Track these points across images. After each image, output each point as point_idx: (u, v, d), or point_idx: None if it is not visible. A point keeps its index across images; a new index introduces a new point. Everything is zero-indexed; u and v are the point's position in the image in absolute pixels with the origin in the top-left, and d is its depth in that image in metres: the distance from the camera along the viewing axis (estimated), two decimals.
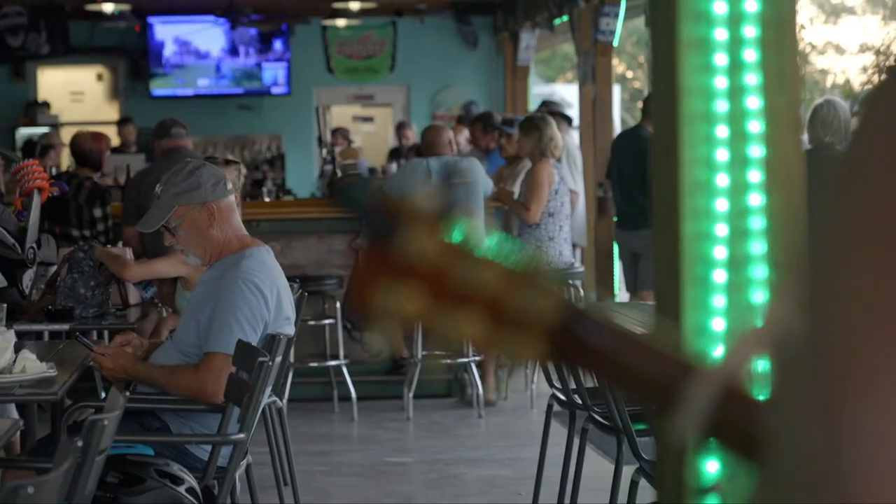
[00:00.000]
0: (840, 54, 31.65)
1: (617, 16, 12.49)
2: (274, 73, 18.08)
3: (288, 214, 10.18)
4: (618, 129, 14.23)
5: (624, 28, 13.24)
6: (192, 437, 5.06)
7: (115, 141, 15.22)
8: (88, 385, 7.03)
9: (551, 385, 6.48)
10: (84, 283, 6.89)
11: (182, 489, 4.65)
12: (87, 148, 9.29)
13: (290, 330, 5.29)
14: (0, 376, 4.93)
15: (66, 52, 17.36)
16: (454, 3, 17.51)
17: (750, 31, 2.71)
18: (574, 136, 13.09)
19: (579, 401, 6.00)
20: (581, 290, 9.91)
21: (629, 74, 32.35)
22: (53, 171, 10.88)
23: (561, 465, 6.21)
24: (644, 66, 30.12)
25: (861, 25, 31.65)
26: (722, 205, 2.70)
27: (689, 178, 2.68)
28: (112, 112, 18.10)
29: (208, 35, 17.87)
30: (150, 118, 12.79)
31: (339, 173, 11.12)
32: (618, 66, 28.52)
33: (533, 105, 15.91)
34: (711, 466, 2.47)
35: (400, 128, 16.56)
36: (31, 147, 13.61)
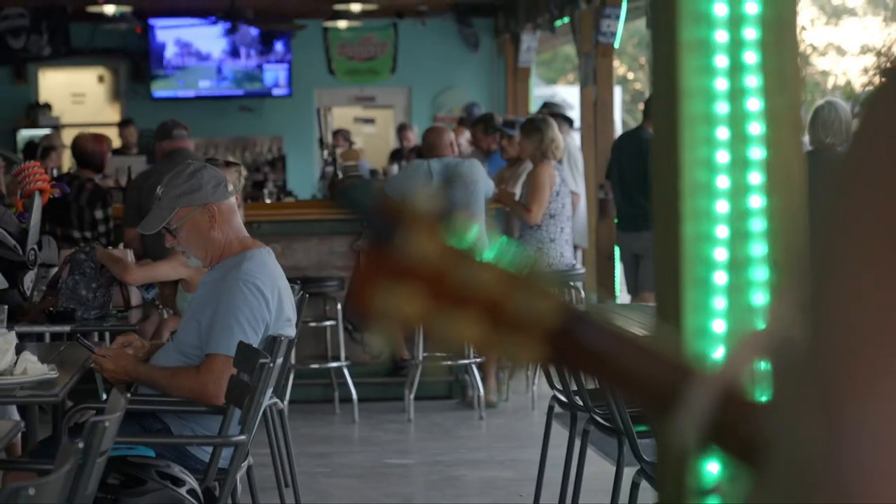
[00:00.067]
0: (841, 56, 31.65)
1: (618, 17, 12.49)
2: (275, 74, 18.08)
3: (289, 216, 10.18)
4: (619, 130, 14.22)
5: (625, 30, 13.24)
6: (193, 439, 5.06)
7: (116, 143, 15.23)
8: (89, 387, 7.03)
9: (552, 387, 6.48)
10: (86, 285, 6.89)
11: (183, 491, 4.65)
12: (90, 150, 9.29)
13: (291, 331, 5.29)
14: (1, 378, 4.93)
15: (68, 54, 17.37)
16: (455, 5, 17.52)
17: (750, 34, 2.71)
18: (575, 138, 13.09)
19: (580, 402, 6.00)
20: (582, 292, 9.91)
21: (630, 76, 32.35)
22: (55, 172, 10.89)
23: (562, 467, 6.21)
24: (645, 68, 30.12)
25: (862, 27, 31.65)
26: (722, 206, 2.71)
27: (689, 180, 2.68)
28: (113, 114, 18.10)
29: (209, 37, 17.87)
30: (152, 120, 12.80)
31: (341, 175, 11.12)
32: (619, 67, 28.51)
33: (534, 107, 15.91)
34: (712, 468, 2.47)
35: (401, 129, 16.56)
36: (32, 149, 13.60)
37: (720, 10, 2.71)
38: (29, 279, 6.84)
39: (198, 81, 17.99)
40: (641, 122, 10.56)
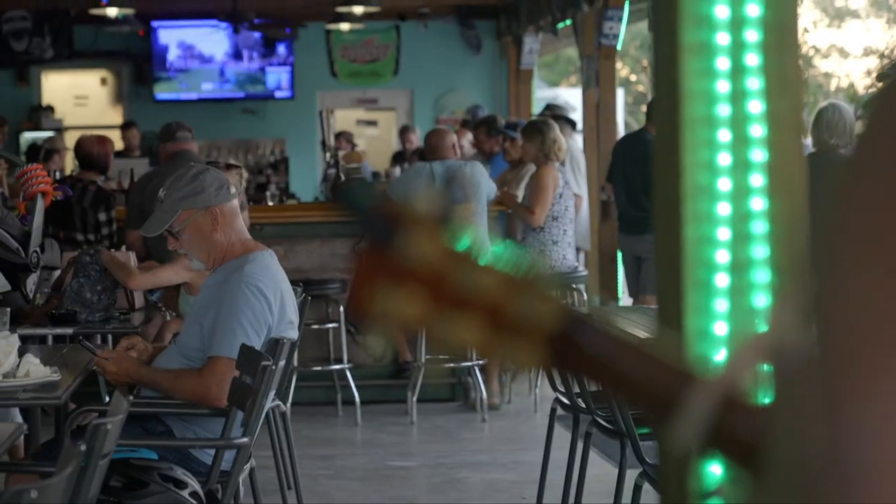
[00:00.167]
0: (844, 58, 31.64)
1: (620, 19, 12.49)
2: (278, 77, 18.09)
3: (291, 218, 10.18)
4: (621, 132, 14.20)
5: (627, 32, 13.23)
6: (195, 442, 5.07)
7: (119, 145, 15.24)
8: (92, 389, 7.04)
9: (555, 389, 6.48)
10: (90, 288, 6.90)
11: (186, 493, 4.65)
12: (94, 152, 9.29)
13: (294, 334, 5.29)
14: (4, 380, 4.94)
15: (71, 57, 17.38)
16: (458, 8, 17.52)
17: (752, 36, 2.71)
18: (577, 140, 13.09)
19: (583, 405, 6.00)
20: (584, 294, 9.91)
21: (633, 78, 32.35)
22: (57, 175, 10.89)
23: (564, 469, 6.21)
24: (647, 70, 30.12)
25: (865, 29, 31.65)
26: (724, 209, 2.70)
27: (690, 182, 2.68)
28: (116, 116, 18.11)
29: (212, 39, 17.88)
30: (154, 122, 12.80)
31: (343, 177, 11.13)
32: (621, 69, 28.52)
33: (536, 109, 15.91)
34: (714, 470, 2.47)
35: (403, 132, 16.56)
36: (35, 151, 13.61)
37: (721, 12, 2.71)
38: (31, 282, 6.84)
39: (200, 84, 18.00)
40: (644, 124, 10.55)
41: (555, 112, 12.25)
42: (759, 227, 2.71)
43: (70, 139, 14.00)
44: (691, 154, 2.69)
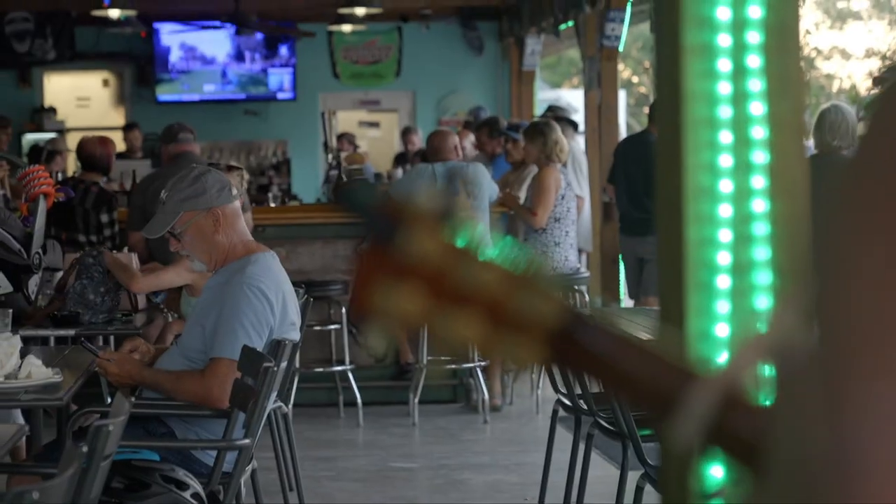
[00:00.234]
0: (846, 59, 31.64)
1: (622, 21, 12.49)
2: (280, 78, 18.09)
3: (293, 220, 10.18)
4: (623, 134, 14.20)
5: (629, 33, 13.24)
6: (197, 443, 5.07)
7: (121, 146, 15.24)
8: (94, 390, 7.04)
9: (557, 390, 6.48)
10: (94, 289, 6.90)
11: (187, 494, 4.65)
12: (97, 153, 9.29)
13: (296, 335, 5.29)
14: (6, 382, 4.94)
15: (73, 58, 17.39)
16: (460, 9, 17.52)
17: (753, 37, 2.71)
18: (579, 142, 13.08)
19: (585, 406, 6.00)
20: (587, 296, 9.90)
21: (635, 79, 32.35)
22: (59, 176, 10.88)
23: (566, 471, 6.21)
24: (649, 72, 30.12)
25: (867, 30, 31.64)
26: (725, 210, 2.71)
27: (692, 184, 2.68)
28: (118, 118, 18.12)
29: (214, 41, 17.89)
30: (156, 124, 12.80)
31: (345, 179, 11.13)
32: (623, 71, 28.53)
33: (539, 110, 15.90)
34: (716, 472, 2.47)
35: (405, 133, 16.56)
36: (37, 153, 13.61)
37: (723, 13, 2.71)
38: (33, 283, 6.84)
39: (202, 85, 18.00)
40: (647, 125, 10.55)
41: (557, 113, 12.25)
42: (761, 228, 2.71)
43: (72, 141, 14.01)
44: (693, 155, 2.69)
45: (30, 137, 16.96)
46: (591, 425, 5.87)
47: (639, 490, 5.17)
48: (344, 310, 9.40)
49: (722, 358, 2.67)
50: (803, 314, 0.96)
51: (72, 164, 13.72)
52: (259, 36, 17.65)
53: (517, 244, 1.20)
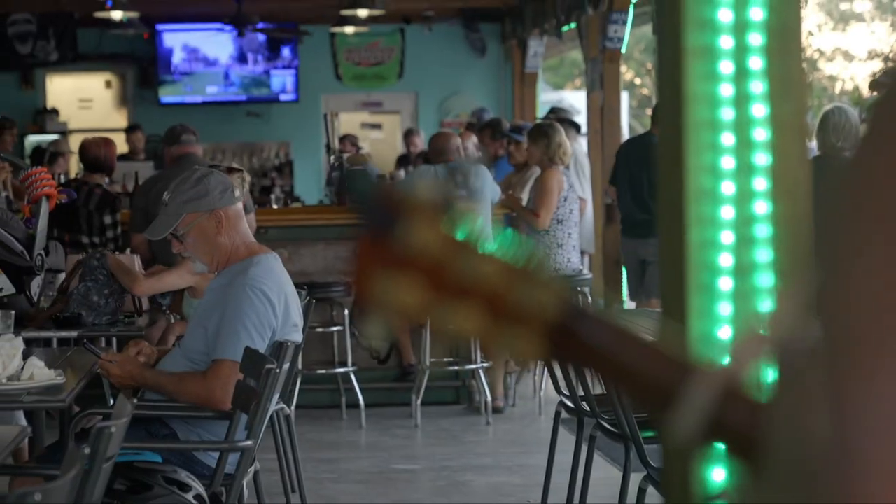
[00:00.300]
0: (848, 61, 31.63)
1: (625, 23, 12.48)
2: (282, 80, 18.09)
3: (296, 221, 10.18)
4: (626, 136, 14.20)
5: (632, 35, 13.23)
6: (199, 444, 5.07)
7: (123, 148, 15.24)
8: (96, 392, 7.04)
9: (559, 392, 6.48)
10: (98, 292, 6.90)
11: (190, 496, 4.65)
12: (101, 154, 9.29)
13: (298, 337, 5.29)
14: (8, 383, 4.94)
15: (75, 60, 17.39)
16: (462, 11, 17.52)
17: (755, 39, 2.71)
18: (582, 143, 13.08)
19: (587, 408, 6.00)
20: (589, 297, 9.90)
21: (637, 81, 32.34)
22: (62, 178, 10.88)
23: (569, 473, 6.21)
24: (652, 73, 30.10)
25: (869, 32, 31.63)
26: (728, 212, 2.71)
27: (694, 186, 2.68)
28: (120, 119, 18.13)
29: (217, 42, 17.89)
30: (159, 125, 12.81)
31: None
32: (626, 72, 28.52)
33: (541, 112, 15.90)
34: (718, 474, 2.47)
35: (408, 135, 16.56)
36: (39, 154, 13.61)
37: (725, 15, 2.71)
38: (36, 285, 6.84)
39: (205, 87, 18.01)
40: (650, 127, 10.54)
41: (559, 115, 12.24)
42: (763, 230, 2.71)
43: (74, 142, 14.00)
44: (695, 157, 2.69)
45: (32, 139, 16.96)
46: (594, 427, 5.87)
47: (641, 492, 5.17)
48: (346, 311, 9.40)
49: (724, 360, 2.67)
50: (804, 309, 0.96)
51: (74, 166, 13.73)
52: (261, 38, 17.65)
53: (517, 237, 1.19)
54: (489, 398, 9.29)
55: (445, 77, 18.25)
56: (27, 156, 14.95)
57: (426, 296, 1.16)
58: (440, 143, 9.63)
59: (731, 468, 1.15)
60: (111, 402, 6.78)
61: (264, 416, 4.88)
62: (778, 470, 0.97)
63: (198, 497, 4.67)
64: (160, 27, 17.64)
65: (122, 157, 13.92)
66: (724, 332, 2.69)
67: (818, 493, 0.89)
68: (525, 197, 10.02)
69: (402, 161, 16.12)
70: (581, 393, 6.03)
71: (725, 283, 2.69)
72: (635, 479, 5.30)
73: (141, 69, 18.10)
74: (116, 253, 7.69)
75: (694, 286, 2.67)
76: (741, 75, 2.71)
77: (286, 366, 5.08)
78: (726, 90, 2.70)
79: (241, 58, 18.02)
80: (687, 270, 2.67)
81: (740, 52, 2.71)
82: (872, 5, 31.57)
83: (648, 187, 9.71)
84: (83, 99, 18.63)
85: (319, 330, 9.40)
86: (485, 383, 9.30)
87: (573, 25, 13.76)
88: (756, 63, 2.71)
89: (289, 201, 14.43)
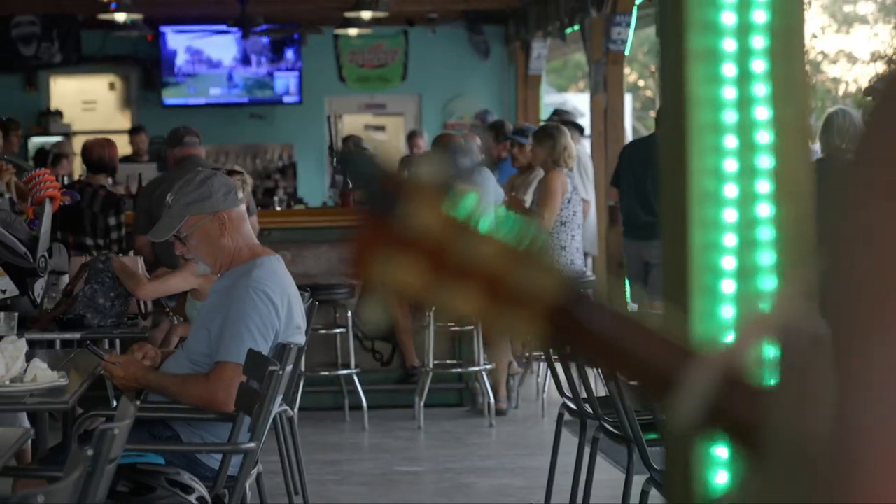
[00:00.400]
0: (852, 63, 31.62)
1: (628, 25, 12.49)
2: (286, 82, 18.10)
3: (299, 223, 10.19)
4: (629, 138, 14.20)
5: (635, 37, 13.24)
6: (202, 446, 5.07)
7: (127, 150, 15.25)
8: (100, 394, 7.04)
9: (562, 394, 6.48)
10: (104, 294, 6.91)
11: (193, 498, 4.65)
12: (106, 155, 9.30)
13: (301, 339, 5.29)
14: (11, 385, 4.94)
15: (79, 61, 17.40)
16: (466, 13, 17.52)
17: (758, 42, 2.71)
18: (585, 146, 13.08)
19: (590, 410, 6.00)
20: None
21: (641, 83, 32.34)
22: (65, 179, 10.90)
23: (572, 475, 6.21)
24: (655, 75, 30.09)
25: (873, 34, 31.63)
26: (730, 215, 2.70)
27: (697, 189, 2.68)
28: (124, 121, 18.14)
29: (220, 44, 17.90)
30: (162, 127, 12.81)
31: (353, 200, 11.13)
32: (629, 75, 28.52)
33: (544, 114, 15.90)
34: (720, 477, 2.47)
35: (411, 137, 16.56)
36: (43, 156, 13.62)
37: (728, 18, 2.71)
38: (39, 286, 6.85)
39: (209, 89, 18.01)
40: (655, 129, 10.53)
41: (563, 117, 12.24)
42: (766, 233, 2.71)
43: (78, 144, 14.01)
44: (698, 160, 2.69)
45: (36, 141, 16.97)
46: (597, 429, 5.87)
47: (644, 494, 5.17)
48: (349, 314, 9.40)
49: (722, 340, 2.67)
50: (807, 297, 0.96)
51: (78, 168, 13.74)
52: (265, 40, 17.66)
53: (518, 220, 1.19)
54: (492, 400, 9.29)
55: (449, 79, 18.25)
56: (31, 157, 14.95)
57: (426, 277, 1.16)
58: (443, 144, 9.63)
59: (730, 456, 1.15)
60: (114, 403, 6.78)
61: (267, 418, 4.88)
62: (778, 457, 0.97)
63: (201, 499, 4.67)
64: (164, 29, 17.65)
65: (126, 159, 13.94)
66: (727, 336, 2.68)
67: (819, 481, 0.89)
68: (528, 199, 10.03)
69: (405, 163, 16.11)
70: (584, 395, 6.03)
71: (728, 286, 2.69)
72: (638, 481, 5.30)
73: (144, 71, 18.11)
74: (120, 255, 7.70)
75: (696, 289, 2.67)
76: (744, 78, 2.71)
77: (289, 368, 5.08)
78: (729, 93, 2.70)
79: (245, 60, 18.03)
80: (689, 273, 2.67)
81: (743, 54, 2.71)
82: (876, 7, 31.57)
83: (653, 189, 9.71)
84: (87, 101, 18.64)
85: (322, 332, 9.40)
86: (488, 385, 9.31)
87: (577, 27, 13.76)
88: (759, 66, 2.71)
89: (292, 203, 14.43)
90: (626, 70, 14.29)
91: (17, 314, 6.26)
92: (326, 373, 9.47)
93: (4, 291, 6.73)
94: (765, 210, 2.70)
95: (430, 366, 9.24)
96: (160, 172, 12.17)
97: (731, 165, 2.70)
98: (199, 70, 17.96)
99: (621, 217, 10.49)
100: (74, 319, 6.86)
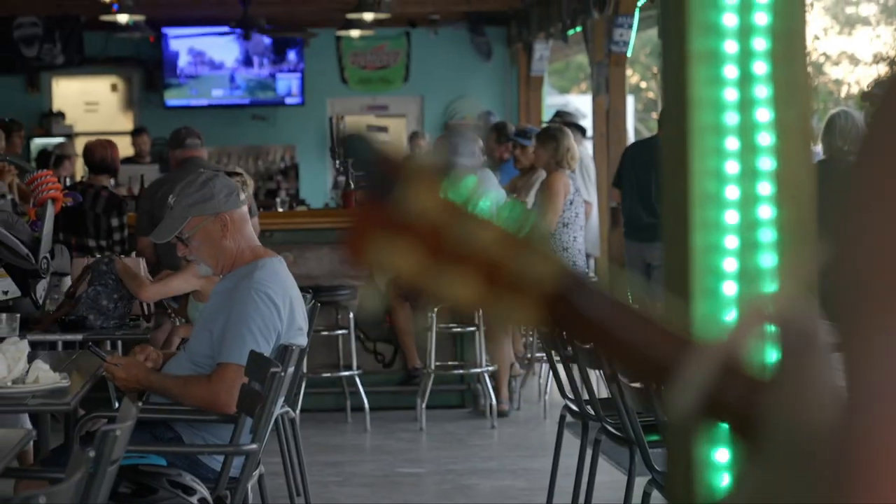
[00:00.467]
0: (854, 65, 31.62)
1: (630, 26, 12.49)
2: (288, 83, 18.10)
3: (301, 225, 10.19)
4: (631, 139, 14.20)
5: (637, 38, 13.24)
6: (204, 448, 5.07)
7: (129, 151, 15.26)
8: (102, 395, 7.05)
9: (564, 396, 6.48)
10: (107, 296, 6.91)
11: (194, 499, 4.65)
12: (108, 156, 9.31)
13: (303, 340, 5.29)
14: (13, 386, 4.94)
15: (81, 63, 17.41)
16: (468, 14, 17.52)
17: (760, 44, 2.71)
18: (588, 147, 13.08)
19: (592, 412, 6.00)
20: None
21: (643, 85, 32.33)
22: (67, 181, 10.90)
23: (574, 476, 6.21)
24: (657, 77, 30.08)
25: (875, 36, 31.62)
26: (732, 217, 2.71)
27: (698, 190, 2.68)
28: (126, 122, 18.15)
29: (222, 46, 17.91)
30: (165, 128, 12.81)
31: (353, 185, 11.13)
32: (631, 76, 28.50)
33: (547, 115, 15.91)
34: (722, 478, 2.47)
35: (413, 138, 16.56)
36: (45, 157, 13.63)
37: (730, 20, 2.71)
38: (41, 288, 6.85)
39: (211, 90, 18.02)
40: (657, 131, 10.53)
41: (565, 119, 12.25)
42: (767, 235, 2.71)
43: (80, 145, 14.02)
44: (699, 162, 2.69)
45: (38, 142, 16.98)
46: (599, 431, 5.87)
47: (646, 496, 5.17)
48: (351, 315, 9.40)
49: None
50: (807, 289, 0.97)
51: (80, 169, 13.74)
52: (267, 41, 17.66)
53: (517, 206, 1.18)
54: (494, 402, 9.29)
55: (451, 80, 18.25)
56: (33, 159, 14.96)
57: (424, 261, 1.15)
58: (451, 132, 9.63)
59: (729, 446, 1.14)
60: (116, 405, 6.79)
61: (269, 419, 4.88)
62: (776, 448, 0.97)
63: (202, 500, 4.67)
64: (166, 30, 17.66)
65: (128, 161, 13.95)
66: None
67: (818, 473, 0.89)
68: (530, 201, 10.03)
69: None
70: (586, 397, 6.03)
71: (730, 288, 2.69)
72: (640, 482, 5.30)
73: (146, 72, 18.12)
74: (123, 256, 7.70)
75: (698, 290, 2.67)
76: (745, 79, 2.71)
77: (291, 369, 5.08)
78: (731, 94, 2.70)
79: (247, 61, 18.03)
80: (691, 275, 2.67)
81: (745, 56, 2.71)
82: (878, 9, 31.57)
83: (656, 191, 9.70)
84: (89, 102, 18.65)
85: (324, 333, 9.40)
86: (490, 387, 9.30)
87: (579, 29, 13.76)
88: (760, 67, 2.71)
89: (294, 205, 14.43)
90: (629, 72, 14.29)
91: (19, 315, 6.26)
92: (328, 374, 9.47)
93: (6, 293, 6.74)
94: (766, 212, 2.70)
95: (432, 367, 9.24)
96: (162, 174, 12.18)
97: (732, 167, 2.70)
98: (202, 71, 17.97)
99: (623, 218, 10.49)
100: (76, 321, 6.86)
